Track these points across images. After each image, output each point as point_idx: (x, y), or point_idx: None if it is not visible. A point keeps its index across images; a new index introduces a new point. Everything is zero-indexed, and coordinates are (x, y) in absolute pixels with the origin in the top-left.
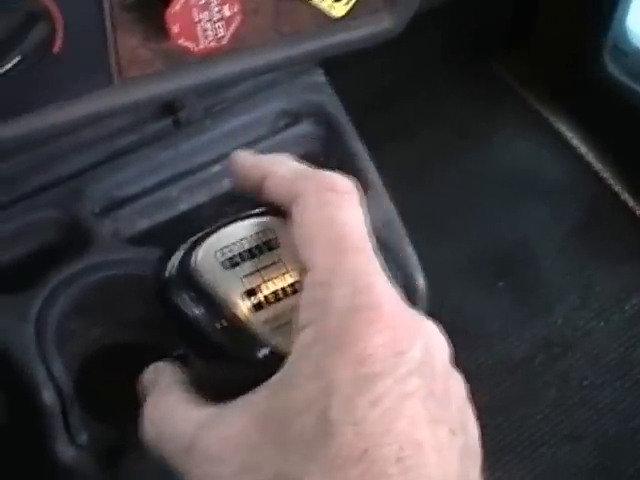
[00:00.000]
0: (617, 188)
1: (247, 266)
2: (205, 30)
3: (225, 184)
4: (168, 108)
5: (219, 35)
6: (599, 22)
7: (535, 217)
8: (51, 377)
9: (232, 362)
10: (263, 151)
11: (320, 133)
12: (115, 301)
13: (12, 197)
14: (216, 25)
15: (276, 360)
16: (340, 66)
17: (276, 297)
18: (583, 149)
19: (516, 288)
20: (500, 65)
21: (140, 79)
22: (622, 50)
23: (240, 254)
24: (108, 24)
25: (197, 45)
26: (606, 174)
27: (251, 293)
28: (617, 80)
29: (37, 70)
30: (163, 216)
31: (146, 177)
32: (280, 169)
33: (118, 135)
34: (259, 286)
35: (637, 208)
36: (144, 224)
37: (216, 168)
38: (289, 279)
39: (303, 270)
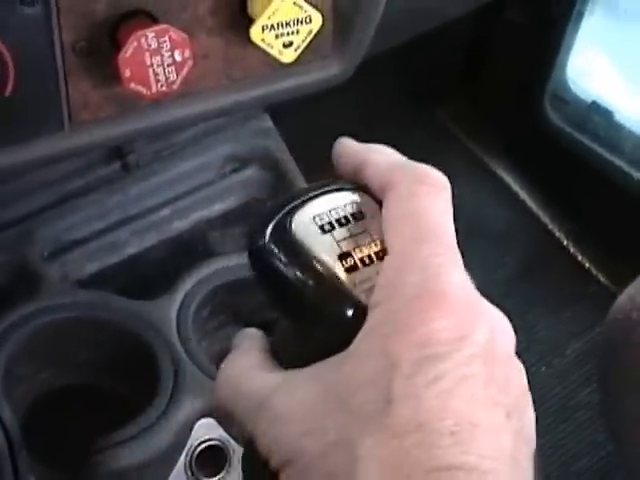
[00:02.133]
0: (558, 234)
1: (340, 232)
2: (157, 75)
3: (174, 227)
4: (117, 152)
5: (170, 80)
6: (540, 71)
7: (478, 262)
8: (0, 421)
9: (323, 322)
10: (211, 195)
11: (267, 178)
12: (64, 344)
13: None
14: (167, 70)
15: (359, 319)
16: (286, 112)
17: (366, 261)
18: (525, 195)
19: None
20: (444, 113)
21: (91, 123)
22: (562, 98)
23: (333, 221)
24: (60, 69)
25: (149, 90)
26: (547, 220)
27: (346, 256)
28: (558, 128)
29: None
30: (112, 259)
31: (95, 221)
32: (378, 158)
33: (67, 179)
34: (353, 250)
35: (578, 254)
36: (93, 267)
37: (165, 212)
38: (376, 247)
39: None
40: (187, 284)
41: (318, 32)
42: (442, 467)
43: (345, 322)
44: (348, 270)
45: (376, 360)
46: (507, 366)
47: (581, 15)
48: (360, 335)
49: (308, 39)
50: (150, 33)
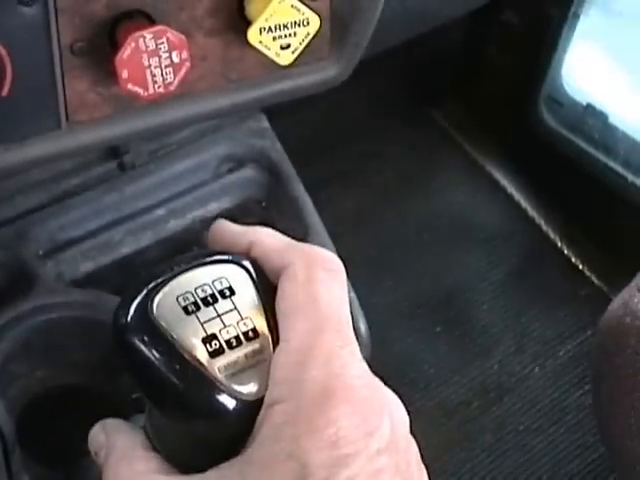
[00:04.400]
0: (552, 235)
1: (205, 312)
2: (154, 76)
3: (169, 227)
4: (113, 152)
5: (167, 81)
6: (536, 73)
7: (472, 263)
8: None
9: (192, 413)
10: (206, 195)
11: (263, 178)
12: (59, 343)
13: None
14: (165, 71)
15: (232, 414)
16: (282, 112)
17: (233, 343)
18: (519, 196)
19: (453, 333)
20: (440, 113)
21: (88, 123)
22: (557, 101)
23: (198, 300)
24: (57, 68)
25: (146, 90)
26: (542, 221)
27: (211, 338)
28: (552, 130)
29: None
30: (107, 259)
31: (90, 220)
32: (268, 239)
33: (63, 178)
34: (219, 331)
35: (571, 255)
36: (88, 267)
37: (160, 211)
38: (245, 327)
39: (275, 335)
40: None
41: (315, 34)
42: None
43: (212, 413)
44: (213, 354)
45: (285, 465)
46: (407, 450)
47: (577, 17)
48: (263, 435)
49: (305, 41)
50: (148, 34)
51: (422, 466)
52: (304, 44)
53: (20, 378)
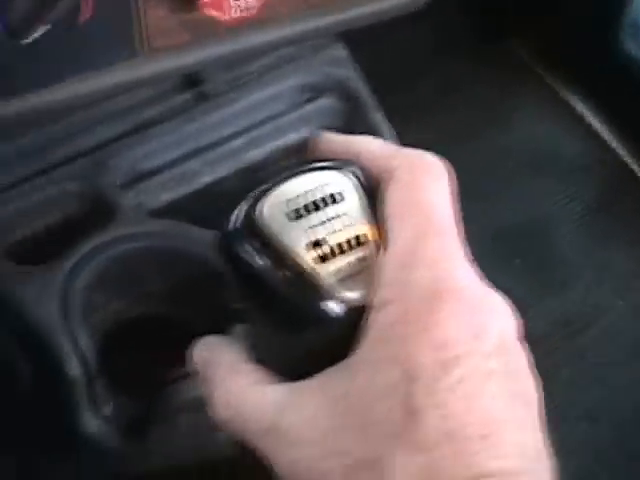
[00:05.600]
0: (635, 167)
1: (312, 218)
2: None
3: (248, 157)
4: (191, 81)
5: (248, 5)
6: (617, 0)
7: (552, 195)
8: (76, 348)
9: (300, 320)
10: (285, 125)
11: (342, 107)
12: (138, 274)
13: (35, 169)
14: None
15: (341, 320)
16: (358, 43)
17: (341, 249)
18: (601, 128)
19: (533, 266)
20: (519, 44)
21: (166, 50)
22: None
23: (305, 206)
24: None
25: (225, 15)
26: (624, 153)
27: (317, 244)
28: (634, 59)
29: (64, 40)
30: (185, 190)
31: (169, 150)
32: (371, 145)
33: (141, 107)
34: (325, 238)
35: None
36: (167, 197)
37: (238, 141)
38: (353, 232)
39: (382, 239)
40: None
41: None
42: (476, 475)
43: (322, 319)
44: (321, 260)
45: (392, 367)
46: (517, 354)
47: None
48: (371, 337)
49: None
50: None
51: (531, 373)
52: None
53: (99, 309)
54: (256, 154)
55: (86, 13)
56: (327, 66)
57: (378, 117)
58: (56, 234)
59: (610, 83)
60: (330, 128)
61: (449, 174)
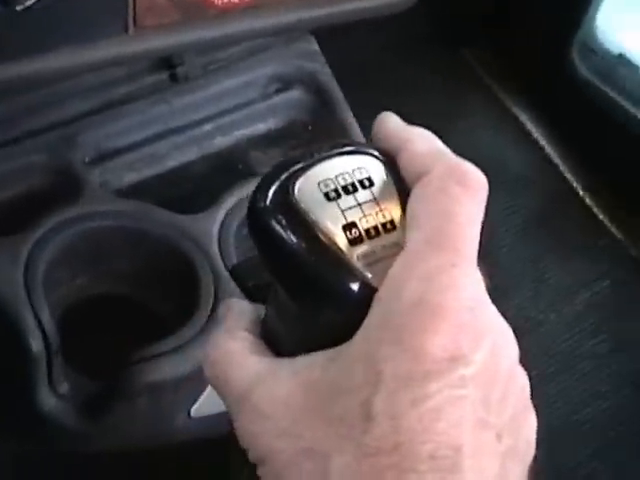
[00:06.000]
0: (575, 184)
1: (346, 200)
2: None
3: (215, 143)
4: (166, 62)
5: None
6: (571, 19)
7: (494, 206)
8: (39, 324)
9: (327, 298)
10: (253, 114)
11: (310, 100)
12: (103, 252)
13: (3, 139)
14: None
15: (361, 300)
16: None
17: (372, 233)
18: (545, 142)
19: None
20: (471, 55)
21: (156, 29)
22: (591, 49)
23: (339, 188)
24: None
25: None
26: (565, 169)
27: (351, 226)
28: (583, 78)
29: (55, 10)
30: (151, 171)
31: (137, 131)
32: (418, 143)
33: (114, 85)
34: (357, 221)
35: (592, 205)
36: (132, 177)
37: (207, 127)
38: (383, 218)
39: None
40: (228, 202)
41: None
42: None
43: (344, 298)
44: (352, 242)
45: (361, 368)
46: (507, 384)
47: None
48: (355, 336)
49: None
50: None
51: (527, 402)
52: None
53: (62, 285)
54: (223, 141)
55: None
56: (298, 59)
57: (346, 112)
58: (21, 206)
59: (558, 99)
60: (298, 120)
61: (483, 188)
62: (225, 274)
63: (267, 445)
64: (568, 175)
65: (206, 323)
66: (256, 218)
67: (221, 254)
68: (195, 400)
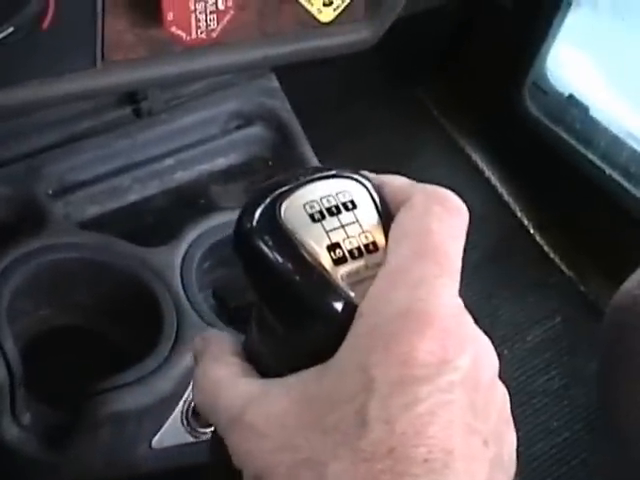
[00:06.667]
0: (525, 222)
1: (330, 222)
2: (198, 21)
3: (176, 178)
4: (130, 97)
5: (210, 27)
6: (522, 59)
7: None
8: (3, 354)
9: (312, 317)
10: (214, 149)
11: (270, 137)
12: (65, 284)
13: None
14: (209, 17)
15: (345, 318)
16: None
17: (356, 254)
18: (496, 180)
19: None
20: (424, 94)
21: (123, 64)
22: (541, 89)
23: (324, 209)
24: (99, 5)
25: (189, 35)
26: (516, 207)
27: (335, 247)
28: (534, 117)
29: (25, 44)
30: (113, 204)
31: (100, 164)
32: (396, 179)
33: (78, 119)
34: (341, 242)
35: (543, 243)
36: (95, 210)
37: (169, 161)
38: (366, 240)
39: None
40: (190, 235)
41: None
42: None
43: (329, 317)
44: (336, 262)
45: (354, 377)
46: (489, 392)
47: (569, 6)
48: (343, 346)
49: (347, 0)
50: None
51: (508, 414)
52: (346, 3)
53: (25, 316)
54: (184, 176)
55: (48, 20)
56: (259, 95)
57: (306, 148)
58: None
59: (509, 139)
60: (258, 156)
61: (462, 211)
62: (187, 306)
63: (264, 460)
64: (519, 213)
65: (169, 354)
66: (243, 238)
67: (183, 286)
68: (157, 431)
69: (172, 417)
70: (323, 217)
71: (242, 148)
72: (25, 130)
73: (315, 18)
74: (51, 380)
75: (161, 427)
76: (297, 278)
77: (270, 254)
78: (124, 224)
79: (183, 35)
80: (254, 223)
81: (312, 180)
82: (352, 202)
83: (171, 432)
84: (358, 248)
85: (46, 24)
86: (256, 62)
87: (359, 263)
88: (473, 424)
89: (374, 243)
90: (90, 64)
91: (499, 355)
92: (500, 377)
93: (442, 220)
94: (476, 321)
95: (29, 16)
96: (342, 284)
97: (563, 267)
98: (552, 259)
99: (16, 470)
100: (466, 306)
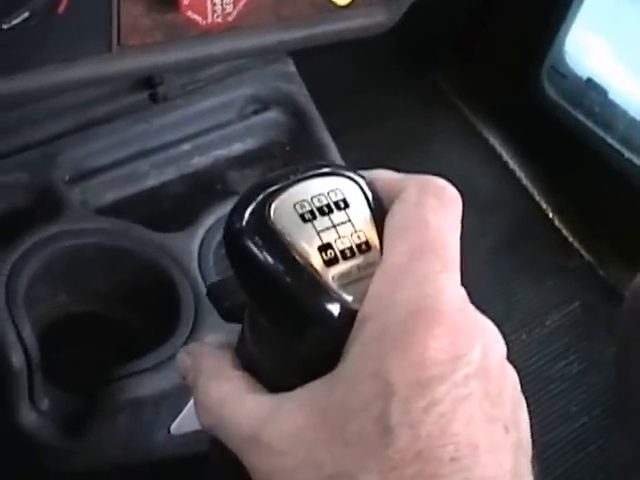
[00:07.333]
0: (544, 206)
1: (321, 221)
2: (214, 5)
3: (193, 163)
4: (146, 82)
5: (226, 11)
6: (540, 43)
7: (464, 228)
8: (20, 340)
9: (303, 318)
10: (231, 134)
11: (287, 121)
12: (82, 270)
13: None
14: (225, 1)
15: (340, 319)
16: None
17: (348, 254)
18: (514, 165)
19: None
20: (440, 78)
21: (139, 48)
22: (560, 72)
23: (315, 209)
24: None
25: (204, 19)
26: (535, 191)
27: (325, 247)
28: (553, 101)
29: (40, 29)
30: (131, 190)
31: (117, 150)
32: (387, 173)
33: (94, 105)
34: (332, 242)
35: (562, 227)
36: (112, 196)
37: (185, 147)
38: (358, 239)
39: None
40: (208, 220)
41: None
42: None
43: (319, 319)
44: (328, 263)
45: (370, 383)
46: (501, 378)
47: None
48: (352, 352)
49: None
50: None
51: (520, 396)
52: None
53: (42, 302)
54: (201, 161)
55: (64, 4)
56: (276, 80)
57: (323, 132)
58: (2, 224)
59: (528, 122)
60: (275, 140)
61: (457, 201)
62: (205, 292)
63: (287, 479)
64: (538, 197)
65: (186, 340)
66: (232, 239)
67: (201, 272)
68: (175, 417)
69: (190, 403)
70: (314, 217)
71: (259, 133)
72: (41, 116)
73: (331, 1)
74: (68, 366)
75: (179, 413)
76: (287, 280)
77: (260, 255)
78: (141, 210)
79: (199, 19)
80: (243, 223)
81: (303, 179)
82: (344, 201)
83: (189, 418)
84: (350, 248)
85: (62, 9)
86: (272, 46)
87: (351, 263)
88: (492, 413)
89: (367, 243)
90: (106, 49)
91: (517, 340)
92: (518, 362)
93: (437, 212)
94: (494, 306)
95: (45, 1)
96: (333, 285)
97: (582, 251)
98: (571, 243)
99: (34, 456)
100: (484, 291)
